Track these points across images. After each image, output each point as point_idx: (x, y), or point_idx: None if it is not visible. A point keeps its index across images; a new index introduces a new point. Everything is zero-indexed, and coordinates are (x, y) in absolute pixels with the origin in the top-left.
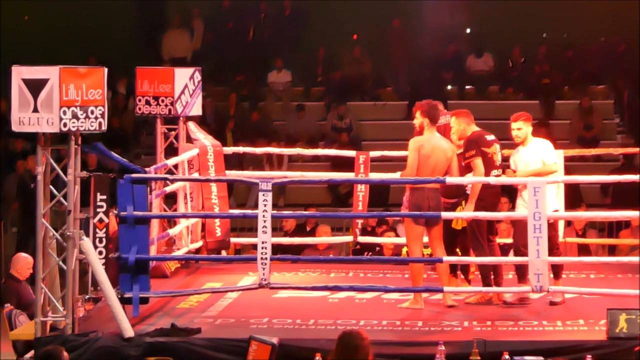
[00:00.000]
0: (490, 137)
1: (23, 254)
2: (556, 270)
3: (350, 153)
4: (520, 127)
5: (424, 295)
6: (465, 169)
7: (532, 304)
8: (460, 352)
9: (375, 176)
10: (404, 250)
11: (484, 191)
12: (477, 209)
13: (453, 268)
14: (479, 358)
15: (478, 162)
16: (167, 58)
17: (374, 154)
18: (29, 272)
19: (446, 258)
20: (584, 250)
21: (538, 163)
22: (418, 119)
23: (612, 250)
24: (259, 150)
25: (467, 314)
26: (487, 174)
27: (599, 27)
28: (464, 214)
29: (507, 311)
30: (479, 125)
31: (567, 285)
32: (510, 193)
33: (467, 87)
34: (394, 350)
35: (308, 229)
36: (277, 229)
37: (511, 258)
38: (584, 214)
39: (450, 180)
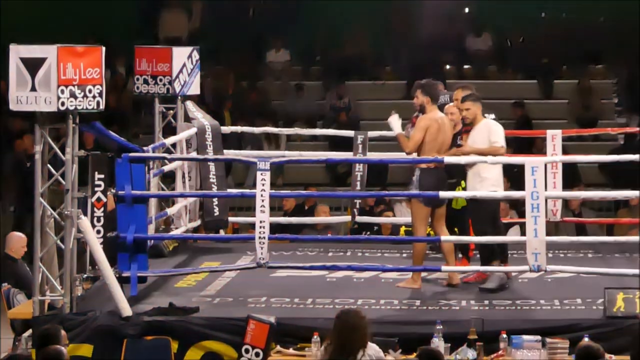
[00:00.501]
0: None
1: (16, 233)
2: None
3: (349, 133)
4: (469, 108)
5: (423, 274)
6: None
7: (529, 284)
8: (458, 331)
9: (373, 156)
10: (402, 229)
11: None
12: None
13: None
14: (476, 337)
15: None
16: (162, 38)
17: (373, 134)
18: (24, 250)
19: (444, 238)
20: (581, 229)
21: (485, 143)
22: (419, 98)
23: (610, 229)
24: (257, 130)
25: (465, 293)
26: None
27: (598, 7)
28: (463, 193)
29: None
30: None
31: (565, 265)
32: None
33: (466, 66)
34: (392, 330)
35: (307, 207)
36: (275, 209)
37: (510, 238)
38: (582, 193)
39: (449, 159)
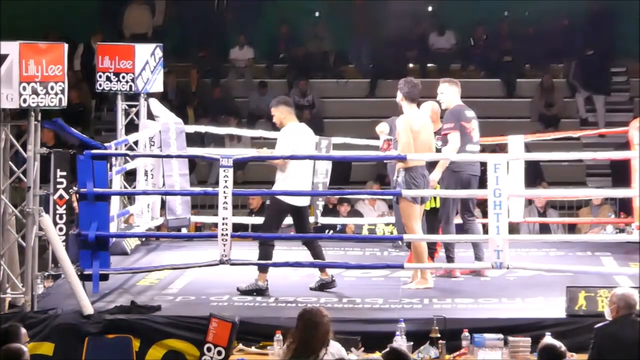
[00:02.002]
0: (471, 114)
1: None
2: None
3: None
4: (274, 114)
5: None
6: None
7: (491, 282)
8: (420, 329)
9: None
10: (365, 227)
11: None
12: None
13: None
14: (439, 335)
15: (455, 136)
16: (128, 34)
17: (336, 140)
18: None
19: (407, 236)
20: (545, 227)
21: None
22: (398, 97)
23: (571, 227)
24: (222, 131)
25: (428, 292)
26: (463, 148)
27: (561, 5)
28: (426, 192)
29: (466, 288)
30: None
31: (528, 262)
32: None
33: (429, 65)
34: (355, 328)
35: None
36: (238, 207)
37: (473, 236)
38: (544, 192)
39: (411, 156)
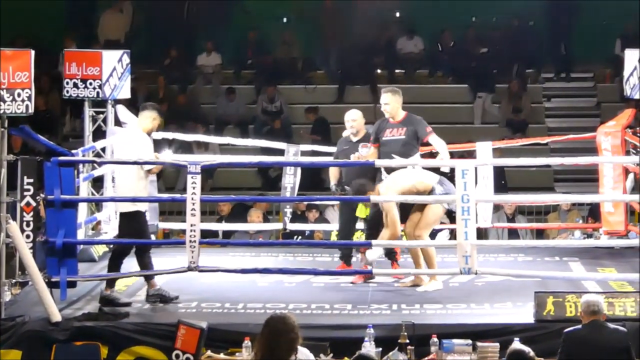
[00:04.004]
0: None
1: None
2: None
3: (281, 145)
4: (155, 117)
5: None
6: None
7: (459, 287)
8: (389, 335)
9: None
10: (333, 234)
11: None
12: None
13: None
14: (407, 341)
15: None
16: (102, 40)
17: (305, 147)
18: None
19: (375, 242)
20: (513, 233)
21: None
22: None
23: (539, 232)
24: (190, 138)
25: (396, 297)
26: None
27: (528, 11)
28: (398, 197)
29: (434, 294)
30: (413, 110)
31: (496, 268)
32: None
33: (397, 70)
34: (323, 334)
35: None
36: (206, 213)
37: (441, 242)
38: (513, 197)
39: (379, 162)
